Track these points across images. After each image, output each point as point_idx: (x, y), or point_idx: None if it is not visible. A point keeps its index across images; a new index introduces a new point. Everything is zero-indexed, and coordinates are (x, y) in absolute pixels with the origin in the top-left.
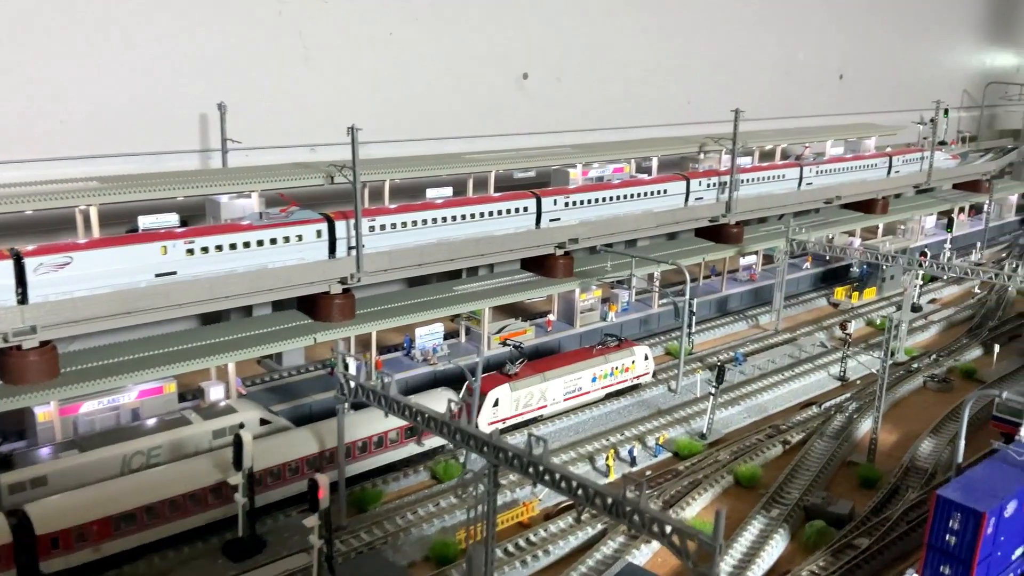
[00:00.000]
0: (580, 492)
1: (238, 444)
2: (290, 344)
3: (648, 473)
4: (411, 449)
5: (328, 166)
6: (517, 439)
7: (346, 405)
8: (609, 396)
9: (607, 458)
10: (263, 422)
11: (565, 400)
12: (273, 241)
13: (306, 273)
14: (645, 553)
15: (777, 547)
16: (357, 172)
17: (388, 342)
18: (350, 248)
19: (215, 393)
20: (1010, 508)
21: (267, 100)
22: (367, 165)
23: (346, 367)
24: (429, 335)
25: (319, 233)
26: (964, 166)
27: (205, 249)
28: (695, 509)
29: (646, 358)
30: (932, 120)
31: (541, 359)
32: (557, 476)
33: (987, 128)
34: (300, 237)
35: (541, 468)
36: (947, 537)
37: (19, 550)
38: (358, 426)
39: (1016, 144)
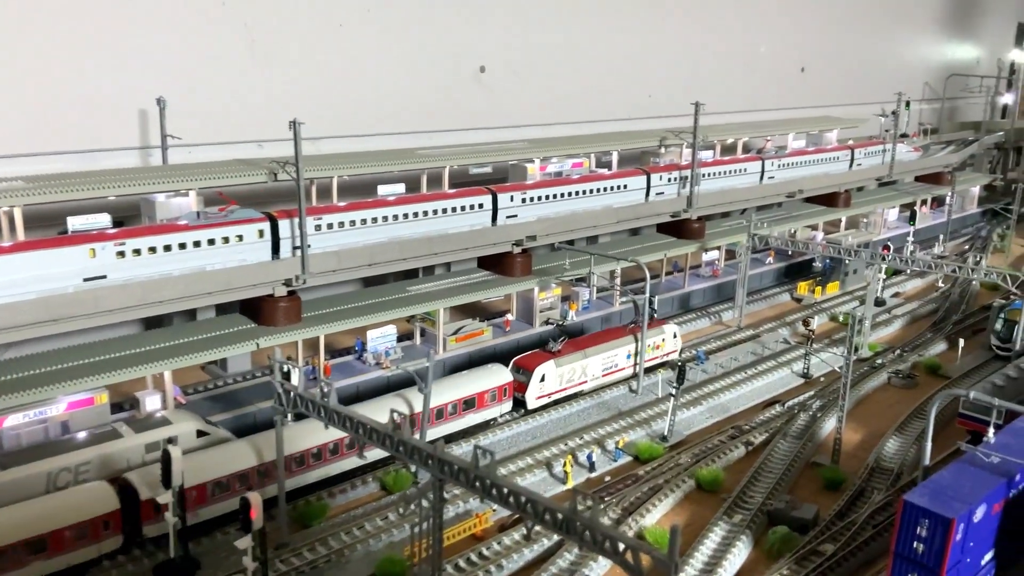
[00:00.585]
0: (529, 508)
1: (166, 460)
2: (230, 350)
3: (607, 479)
4: (358, 460)
5: (271, 163)
6: (464, 449)
7: (289, 416)
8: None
9: (564, 464)
10: (200, 434)
11: (603, 376)
12: (211, 242)
13: (247, 275)
14: (604, 565)
15: (739, 555)
16: (301, 168)
17: (341, 345)
18: (295, 248)
19: (151, 403)
20: (979, 513)
21: (211, 94)
22: (314, 161)
23: (287, 376)
24: (381, 338)
25: (261, 233)
26: (926, 158)
27: (137, 251)
28: (655, 516)
29: (675, 336)
30: (894, 112)
31: (579, 337)
32: (504, 491)
33: (948, 120)
34: (240, 237)
35: (488, 482)
36: (915, 545)
37: None
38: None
39: (977, 136)
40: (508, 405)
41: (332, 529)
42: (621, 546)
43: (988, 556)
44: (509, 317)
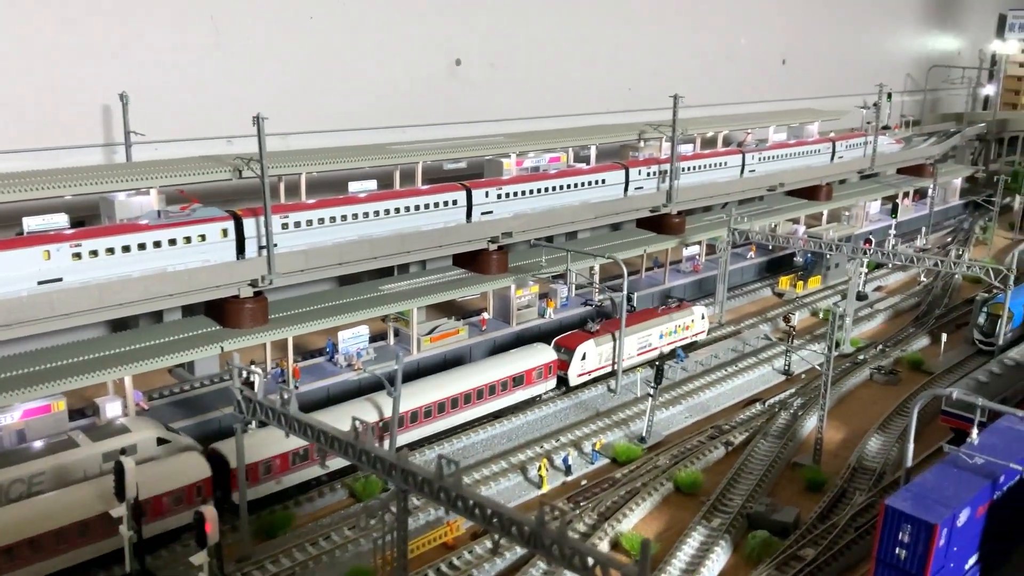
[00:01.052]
0: (495, 520)
1: (119, 471)
2: (192, 354)
3: (583, 482)
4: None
5: (235, 159)
6: (428, 456)
7: (253, 424)
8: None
9: (540, 468)
10: (161, 441)
11: (638, 355)
12: (172, 242)
13: (210, 276)
14: None
15: (719, 561)
16: (265, 165)
17: (313, 346)
18: (260, 248)
19: (112, 410)
20: (963, 517)
21: (178, 90)
22: (281, 158)
23: (250, 382)
24: (353, 339)
25: (225, 232)
26: (908, 150)
27: (94, 253)
28: (632, 521)
29: (703, 317)
30: (875, 104)
31: (614, 319)
32: (470, 502)
33: (930, 112)
34: (203, 237)
35: (452, 494)
36: (897, 551)
37: None
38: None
39: (959, 128)
40: (552, 383)
41: (297, 540)
42: (590, 560)
43: (972, 560)
44: (485, 316)
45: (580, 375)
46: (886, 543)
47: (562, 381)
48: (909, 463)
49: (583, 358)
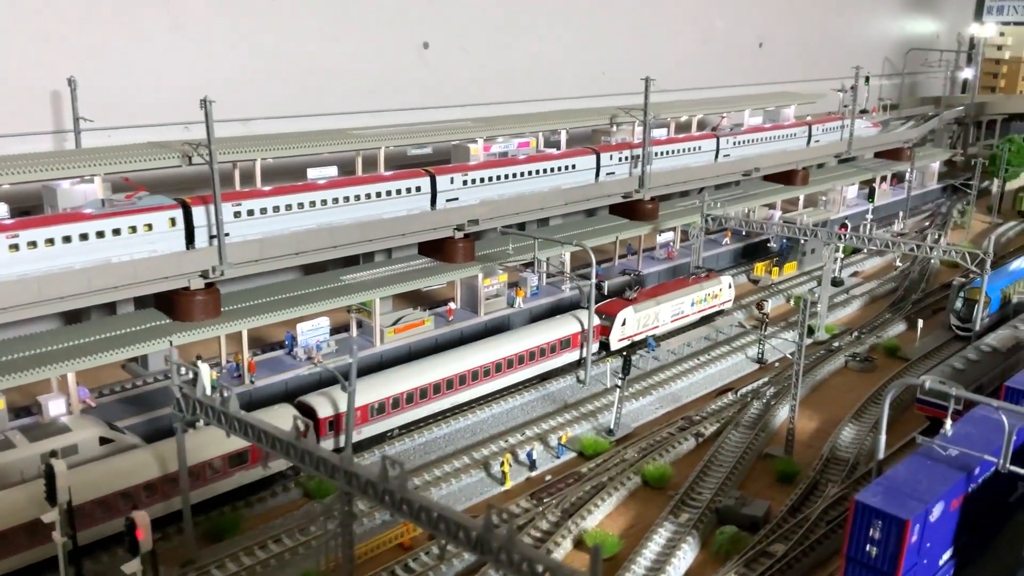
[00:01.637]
0: (441, 525)
1: (50, 475)
2: (138, 349)
3: (548, 478)
4: (277, 466)
5: (183, 145)
6: (376, 456)
7: (200, 422)
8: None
9: (502, 464)
10: (104, 441)
11: (672, 321)
12: (117, 232)
13: (157, 267)
14: None
15: (686, 558)
16: (214, 151)
17: (274, 338)
18: (211, 237)
19: (55, 408)
20: (936, 511)
21: (131, 74)
22: (234, 144)
23: (195, 379)
24: (313, 331)
25: (173, 221)
26: (885, 134)
27: (33, 244)
28: (597, 517)
29: (729, 286)
30: (852, 88)
31: (649, 288)
32: (415, 506)
33: (908, 95)
34: (150, 226)
35: (397, 497)
36: (867, 548)
37: None
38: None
39: (937, 111)
40: (595, 346)
41: (246, 543)
42: (539, 567)
43: (947, 555)
44: (452, 306)
45: (620, 340)
46: (856, 540)
47: (604, 346)
48: (881, 455)
49: (623, 323)
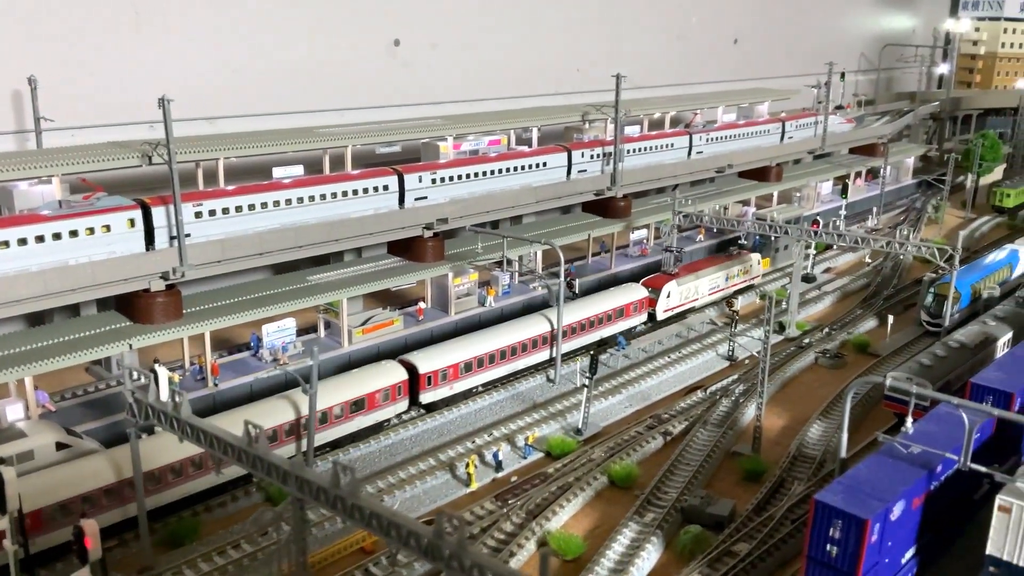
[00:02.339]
0: (392, 531)
1: (0, 482)
2: (97, 352)
3: (513, 479)
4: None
5: (143, 144)
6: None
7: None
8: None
9: (467, 465)
10: (61, 446)
11: (709, 294)
12: (74, 233)
13: (116, 269)
14: None
15: (650, 558)
16: (172, 150)
17: (242, 339)
18: (172, 238)
19: (13, 412)
20: (897, 510)
21: (95, 74)
22: (195, 143)
23: (155, 382)
24: (279, 332)
25: (132, 222)
26: (860, 130)
27: None
28: (562, 519)
29: (758, 263)
30: (826, 84)
31: (687, 264)
32: (366, 512)
33: (885, 91)
34: (108, 227)
35: (348, 503)
36: (828, 547)
37: None
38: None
39: (912, 107)
40: (644, 316)
41: (204, 549)
42: (490, 574)
43: (910, 554)
44: (422, 305)
45: (666, 311)
46: (816, 539)
47: (651, 316)
48: (843, 453)
49: (668, 296)
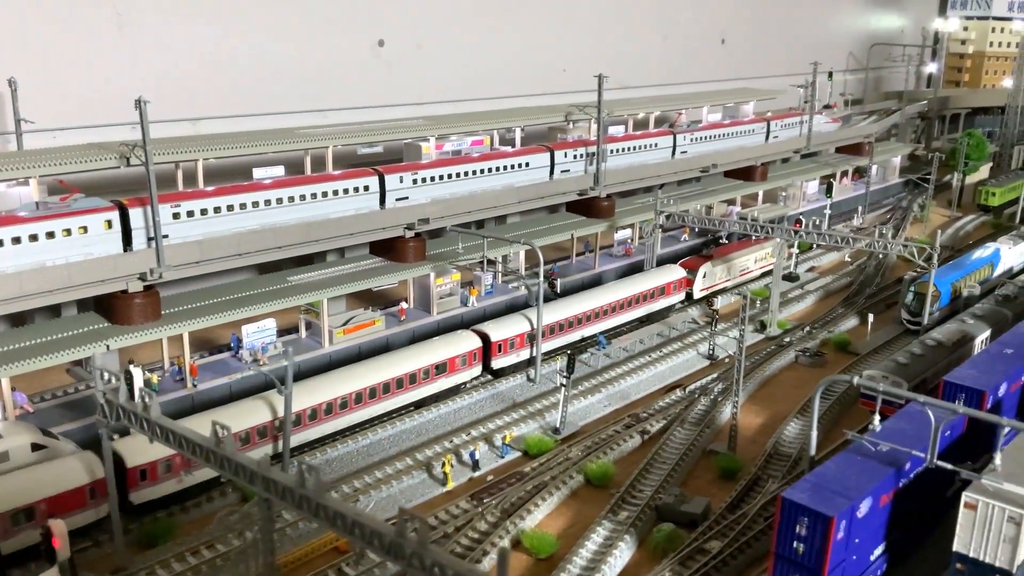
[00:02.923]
0: (356, 530)
1: None
2: (74, 354)
3: (489, 478)
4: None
5: (120, 146)
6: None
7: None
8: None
9: (443, 465)
10: (36, 447)
11: (740, 275)
12: (51, 235)
13: (93, 270)
14: None
15: (622, 556)
16: (149, 152)
17: (222, 340)
18: (150, 239)
19: None
20: (864, 507)
21: (77, 75)
22: (174, 144)
23: (130, 385)
24: (258, 332)
25: (109, 223)
26: (845, 129)
27: None
28: (537, 517)
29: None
30: (811, 83)
31: (720, 247)
32: (331, 511)
33: (873, 90)
34: (85, 229)
35: (314, 503)
36: (794, 544)
37: None
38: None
39: (899, 106)
40: (682, 295)
41: (178, 549)
42: (451, 572)
43: (879, 551)
44: (404, 305)
45: (701, 290)
46: (784, 537)
47: (688, 296)
48: (813, 451)
49: (703, 276)
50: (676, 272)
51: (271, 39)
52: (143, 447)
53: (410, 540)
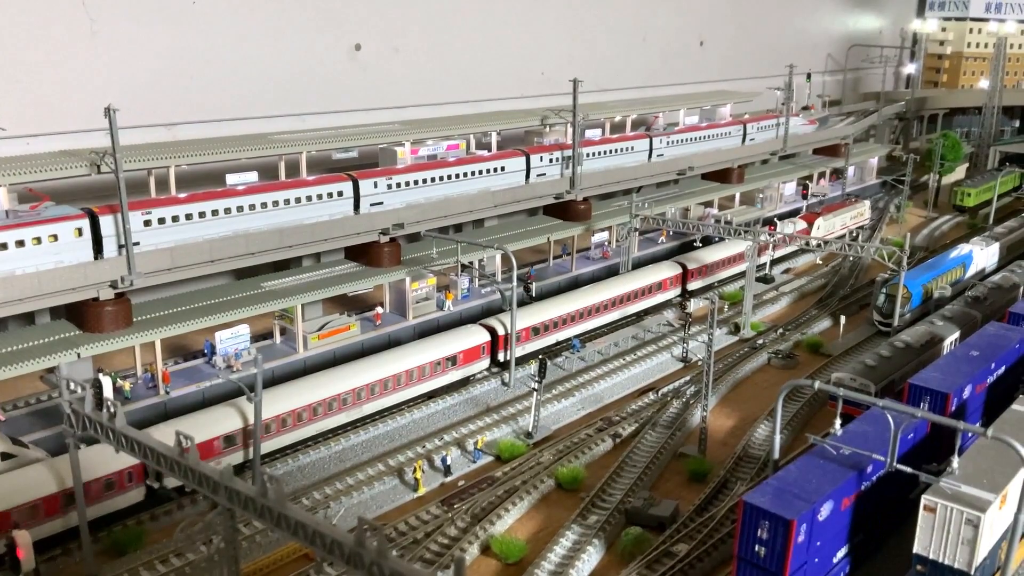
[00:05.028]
0: (317, 540)
1: None
2: (45, 362)
3: (461, 483)
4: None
5: (90, 153)
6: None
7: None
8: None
9: (415, 470)
10: (6, 456)
11: (840, 228)
12: (20, 243)
13: (63, 278)
14: None
15: (591, 560)
16: (119, 159)
17: (195, 346)
18: (120, 247)
19: None
20: (824, 510)
21: (48, 81)
22: (144, 151)
23: (99, 393)
24: (232, 339)
25: (79, 231)
26: (823, 131)
27: None
28: (507, 522)
29: (868, 208)
30: (787, 85)
31: (824, 206)
32: (292, 521)
33: (851, 91)
34: (55, 237)
35: (275, 512)
36: (756, 548)
37: None
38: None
39: (878, 107)
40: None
41: (147, 557)
42: None
43: (841, 553)
44: (379, 310)
45: (817, 235)
46: (745, 540)
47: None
48: (776, 455)
49: (818, 228)
50: (799, 224)
51: (247, 43)
52: None
53: (369, 549)
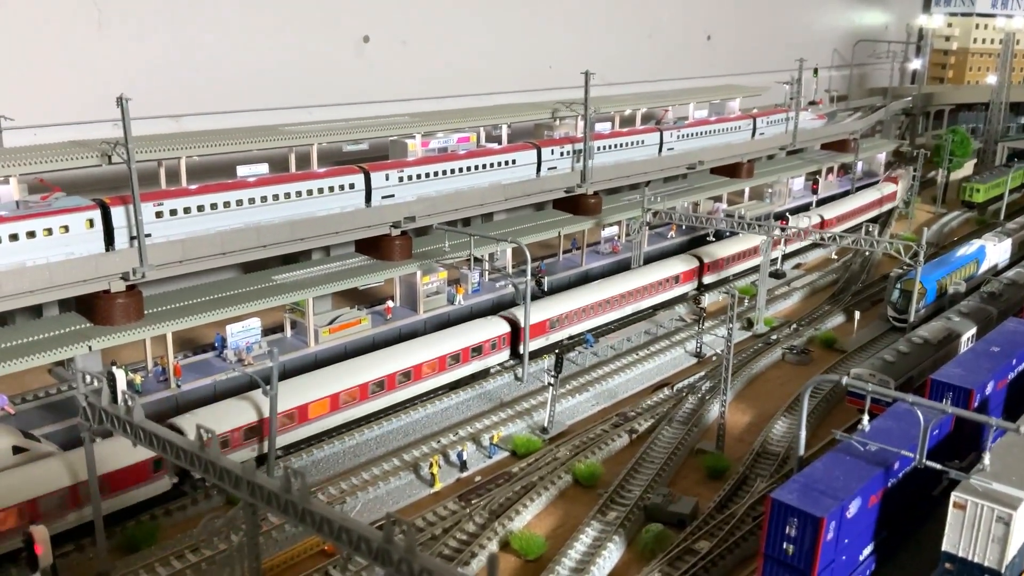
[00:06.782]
0: (343, 535)
1: None
2: (55, 355)
3: (477, 478)
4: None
5: (101, 144)
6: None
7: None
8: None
9: (431, 466)
10: (18, 450)
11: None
12: (31, 234)
13: (74, 270)
14: None
15: (611, 557)
16: (131, 149)
17: (206, 339)
18: (132, 238)
19: None
20: (853, 508)
21: (57, 71)
22: (156, 142)
23: (113, 387)
24: (243, 332)
25: (90, 222)
26: (831, 126)
27: None
28: (526, 518)
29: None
30: (797, 80)
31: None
32: (317, 516)
33: (858, 87)
34: (66, 228)
35: (300, 508)
36: (784, 545)
37: None
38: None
39: (884, 102)
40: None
41: (161, 553)
42: None
43: (867, 551)
44: (390, 304)
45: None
46: (773, 538)
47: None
48: (802, 451)
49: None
50: (888, 187)
51: (254, 35)
52: None
53: (398, 546)
